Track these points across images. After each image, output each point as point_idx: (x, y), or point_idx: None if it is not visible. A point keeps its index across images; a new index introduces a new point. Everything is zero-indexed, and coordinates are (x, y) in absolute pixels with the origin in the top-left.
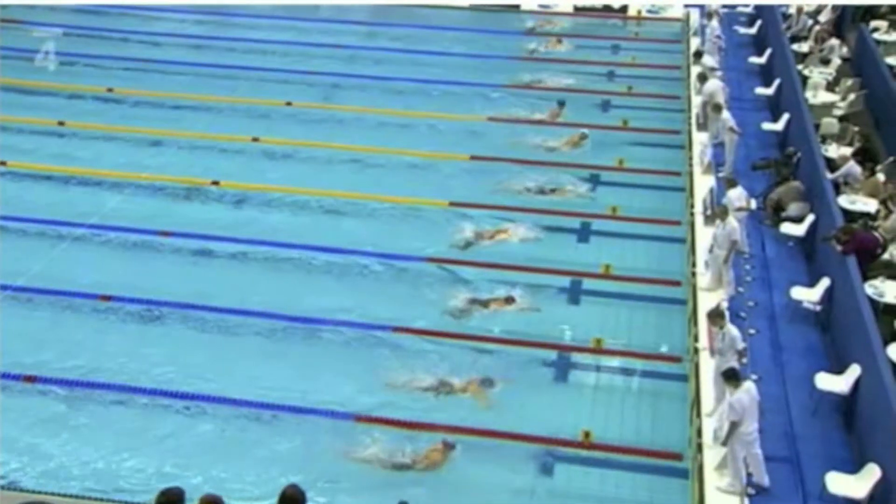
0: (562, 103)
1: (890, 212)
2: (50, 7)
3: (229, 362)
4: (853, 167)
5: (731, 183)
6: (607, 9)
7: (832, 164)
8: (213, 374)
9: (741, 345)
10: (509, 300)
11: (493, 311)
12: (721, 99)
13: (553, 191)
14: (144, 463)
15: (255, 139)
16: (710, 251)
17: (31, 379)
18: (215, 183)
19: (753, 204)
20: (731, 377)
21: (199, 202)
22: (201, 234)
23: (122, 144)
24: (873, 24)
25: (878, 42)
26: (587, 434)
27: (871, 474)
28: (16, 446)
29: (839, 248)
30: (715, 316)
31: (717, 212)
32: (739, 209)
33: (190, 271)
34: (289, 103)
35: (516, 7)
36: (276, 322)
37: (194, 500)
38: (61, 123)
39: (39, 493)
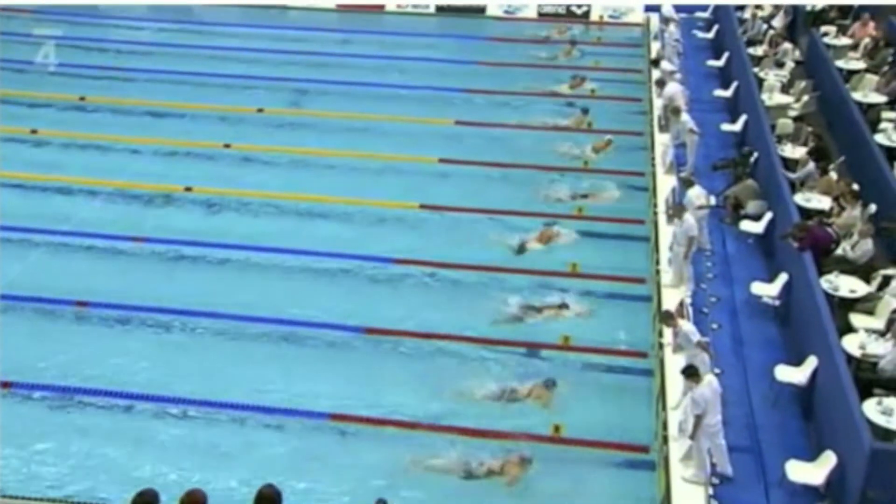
0: (585, 110)
1: (843, 209)
2: (17, 17)
3: (207, 365)
4: (812, 167)
5: (689, 183)
6: (570, 14)
7: (788, 164)
8: (191, 376)
9: (696, 337)
10: (563, 307)
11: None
12: (680, 102)
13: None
14: (124, 466)
15: (227, 145)
16: (671, 249)
17: (6, 385)
18: (188, 189)
19: (713, 200)
20: (690, 374)
21: (173, 208)
22: (176, 239)
23: (94, 152)
24: (823, 28)
25: (828, 46)
26: (557, 428)
27: (828, 461)
28: None
29: (796, 244)
30: (665, 317)
31: (674, 210)
32: (700, 207)
33: (165, 276)
34: (260, 110)
35: (481, 12)
36: (253, 325)
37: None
38: (34, 132)
39: (16, 497)
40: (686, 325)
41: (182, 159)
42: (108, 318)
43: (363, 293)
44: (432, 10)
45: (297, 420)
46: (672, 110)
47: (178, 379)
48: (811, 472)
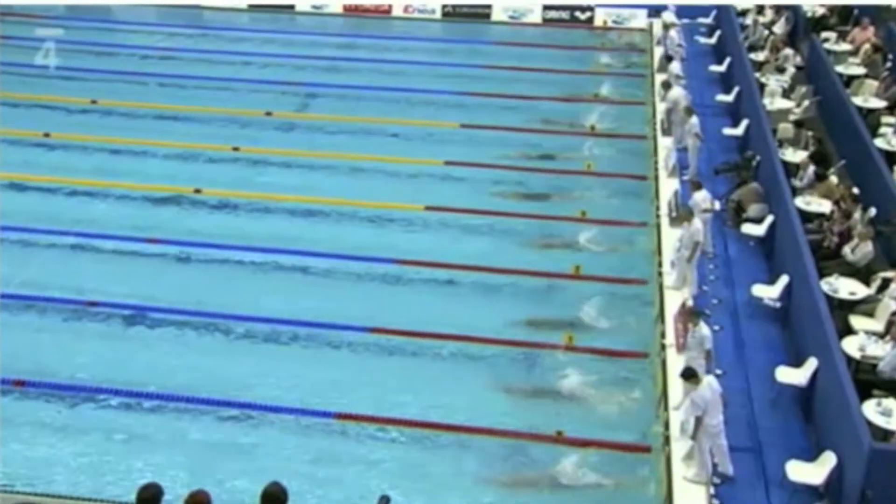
0: None
1: (843, 212)
2: (31, 22)
3: (215, 364)
4: (811, 171)
5: (696, 186)
6: (574, 19)
7: (789, 168)
8: (198, 375)
9: (709, 345)
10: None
11: None
12: (688, 104)
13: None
14: (132, 464)
15: (236, 148)
16: (677, 251)
17: (20, 383)
18: (198, 191)
19: (717, 205)
20: (689, 376)
21: (183, 210)
22: (185, 240)
23: (106, 154)
24: (824, 34)
25: (829, 52)
26: (559, 431)
27: (828, 461)
28: (6, 450)
29: None
30: (691, 314)
31: (682, 214)
32: (705, 210)
33: (175, 277)
34: (269, 113)
35: (486, 17)
36: (261, 325)
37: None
38: (47, 135)
39: (30, 494)
40: (705, 329)
41: (192, 162)
42: (118, 318)
43: (369, 293)
44: (438, 14)
45: (304, 419)
46: (684, 110)
47: (187, 378)
48: (811, 472)
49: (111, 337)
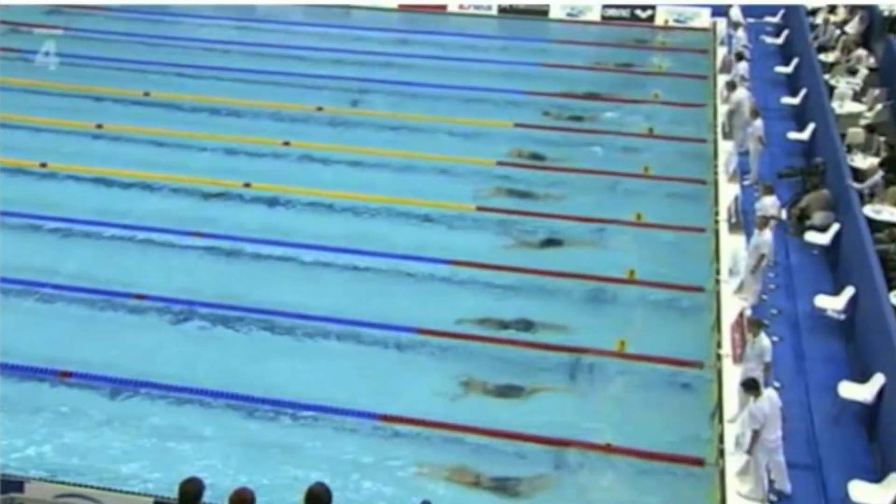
0: None
1: None
2: (88, 14)
3: (262, 361)
4: (879, 177)
5: (768, 190)
6: (634, 18)
7: (858, 175)
8: (245, 371)
9: (769, 358)
10: None
11: None
12: (753, 105)
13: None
14: (174, 457)
15: (287, 143)
16: (742, 259)
17: (66, 374)
18: (247, 185)
19: (784, 214)
20: (751, 387)
21: (232, 204)
22: (234, 235)
23: (157, 147)
24: None
25: None
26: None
27: (895, 484)
28: (52, 441)
29: None
30: (753, 324)
31: (758, 222)
32: (772, 217)
33: (223, 272)
34: (320, 108)
35: (544, 14)
36: (307, 322)
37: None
38: (99, 126)
39: (72, 484)
40: (765, 341)
41: (242, 156)
42: (166, 312)
43: (418, 293)
44: (494, 11)
45: (349, 420)
46: (751, 112)
47: (233, 374)
48: (876, 494)
49: (158, 330)
